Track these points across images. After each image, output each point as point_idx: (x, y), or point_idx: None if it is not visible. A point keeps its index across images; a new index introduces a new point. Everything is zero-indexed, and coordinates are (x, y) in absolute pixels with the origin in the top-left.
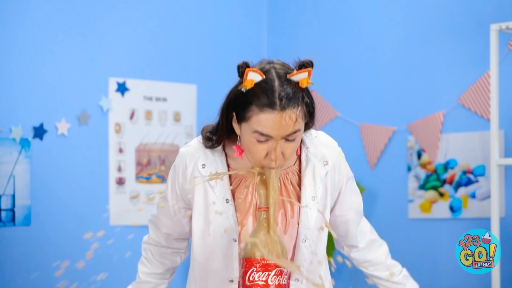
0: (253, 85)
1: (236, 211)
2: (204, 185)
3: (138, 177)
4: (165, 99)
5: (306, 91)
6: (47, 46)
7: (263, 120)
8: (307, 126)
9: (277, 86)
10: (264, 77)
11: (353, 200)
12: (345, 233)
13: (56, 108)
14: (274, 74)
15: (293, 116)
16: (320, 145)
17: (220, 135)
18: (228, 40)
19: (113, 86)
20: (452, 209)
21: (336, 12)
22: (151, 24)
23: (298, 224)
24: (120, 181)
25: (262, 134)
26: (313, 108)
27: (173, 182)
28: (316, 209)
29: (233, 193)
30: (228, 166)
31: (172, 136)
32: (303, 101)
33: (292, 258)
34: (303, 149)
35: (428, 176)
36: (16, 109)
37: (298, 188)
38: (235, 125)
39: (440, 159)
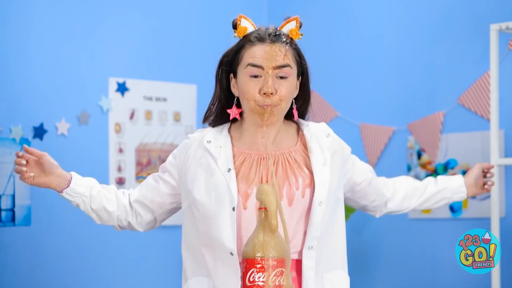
0: (245, 32)
1: (239, 182)
2: (207, 158)
3: (138, 177)
4: (165, 99)
5: (296, 44)
6: (47, 46)
7: (255, 51)
8: (305, 91)
9: (268, 29)
10: (256, 28)
11: (364, 164)
12: (375, 194)
13: (56, 108)
14: (264, 26)
15: (282, 49)
16: (316, 124)
17: (217, 101)
18: (228, 40)
19: (113, 86)
20: (452, 209)
21: (336, 12)
22: (151, 24)
23: (303, 196)
24: (120, 181)
25: (254, 66)
26: (303, 58)
27: (174, 154)
28: (328, 173)
29: (237, 169)
30: (233, 146)
31: (172, 136)
32: (292, 44)
33: (306, 221)
34: (303, 127)
35: (428, 176)
36: (16, 109)
37: (304, 164)
38: (233, 89)
39: (440, 159)
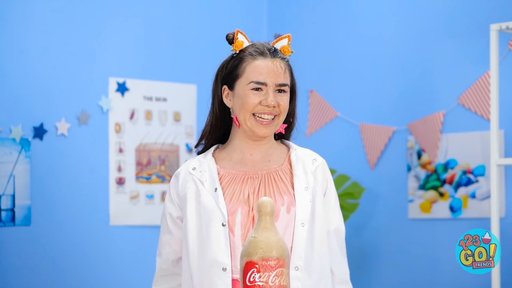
0: (242, 46)
1: (225, 200)
2: (196, 182)
3: (138, 177)
4: (165, 99)
5: (288, 61)
6: (47, 46)
7: (258, 66)
8: (292, 106)
9: (264, 44)
10: (251, 43)
11: (336, 218)
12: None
13: (56, 108)
14: (259, 42)
15: (282, 65)
16: (305, 150)
17: (212, 118)
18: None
19: (113, 86)
20: (452, 209)
21: (336, 12)
22: (151, 24)
23: (288, 213)
24: (120, 181)
25: (258, 83)
26: (293, 76)
27: (169, 191)
28: (309, 197)
29: (224, 189)
30: (219, 167)
31: (172, 136)
32: (287, 62)
33: (293, 240)
34: (292, 150)
35: (428, 176)
36: (16, 109)
37: (290, 184)
38: (226, 100)
39: (440, 159)
